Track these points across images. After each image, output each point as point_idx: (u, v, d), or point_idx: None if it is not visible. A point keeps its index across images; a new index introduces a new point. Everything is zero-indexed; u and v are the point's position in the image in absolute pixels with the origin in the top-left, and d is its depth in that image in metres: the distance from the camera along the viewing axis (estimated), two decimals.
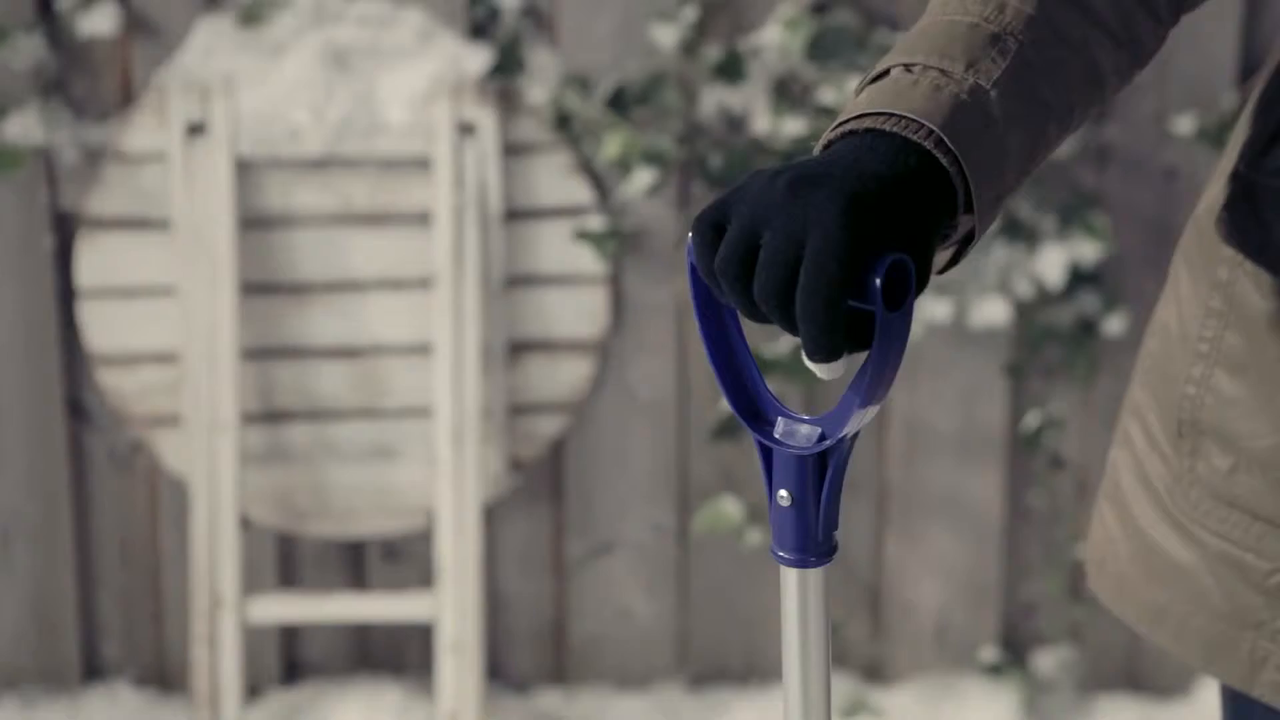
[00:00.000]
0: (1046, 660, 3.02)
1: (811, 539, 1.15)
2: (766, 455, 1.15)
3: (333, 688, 2.97)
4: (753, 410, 1.16)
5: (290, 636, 3.03)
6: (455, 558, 2.80)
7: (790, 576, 1.16)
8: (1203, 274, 1.38)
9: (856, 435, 1.14)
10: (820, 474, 1.14)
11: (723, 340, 1.15)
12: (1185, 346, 1.39)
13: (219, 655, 2.80)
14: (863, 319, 1.10)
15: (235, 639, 2.80)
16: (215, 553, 2.80)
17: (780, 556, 1.16)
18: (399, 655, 3.04)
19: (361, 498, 2.92)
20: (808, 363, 1.10)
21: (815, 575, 1.15)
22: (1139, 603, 1.43)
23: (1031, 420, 2.88)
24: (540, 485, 2.98)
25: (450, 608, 2.80)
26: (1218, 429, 1.36)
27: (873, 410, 1.12)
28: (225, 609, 2.80)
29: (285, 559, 2.98)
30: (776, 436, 1.15)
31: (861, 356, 1.12)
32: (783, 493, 1.14)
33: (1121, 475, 1.46)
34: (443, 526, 2.80)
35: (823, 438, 1.13)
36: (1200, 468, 1.38)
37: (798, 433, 1.14)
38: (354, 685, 2.97)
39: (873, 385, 1.10)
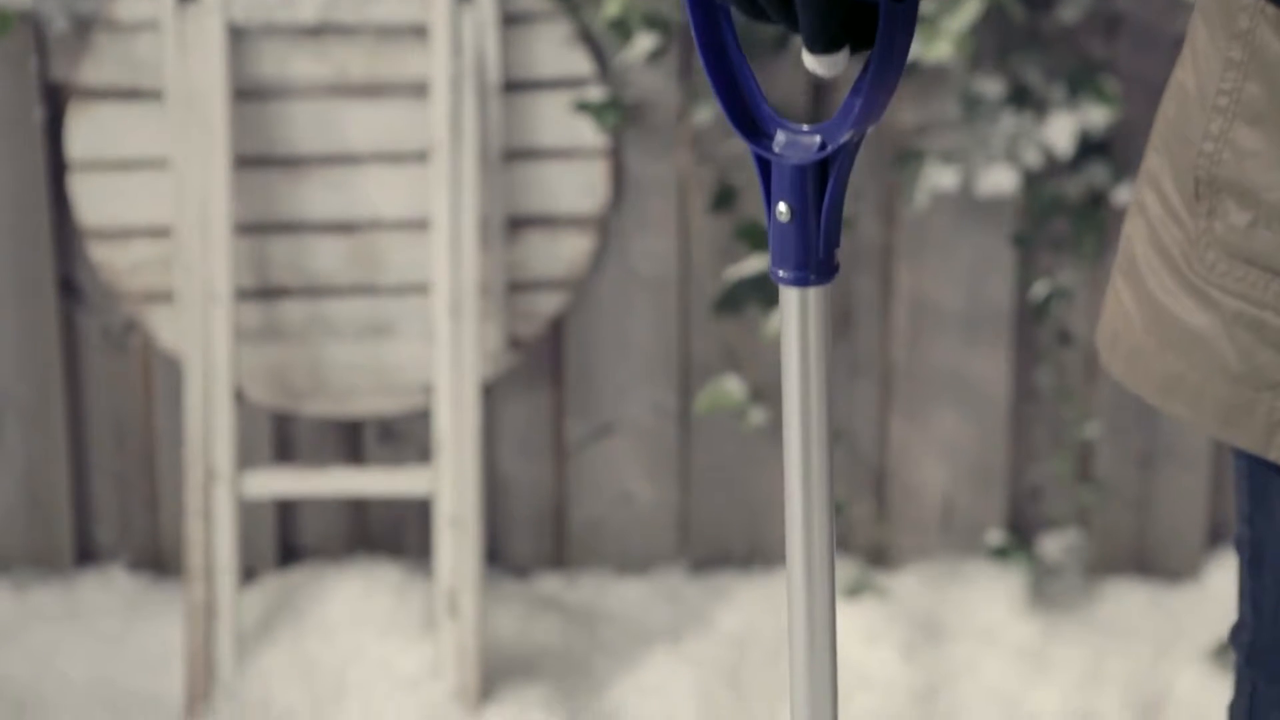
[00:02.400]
0: (1053, 544, 2.98)
1: (812, 254, 1.10)
2: (764, 170, 1.11)
3: (330, 568, 2.93)
4: (750, 123, 1.11)
5: (286, 520, 2.99)
6: (453, 432, 2.75)
7: (790, 298, 1.11)
8: (1220, 27, 1.33)
9: (858, 145, 1.09)
10: (821, 186, 1.09)
11: (718, 48, 1.11)
12: (1203, 104, 1.34)
13: (214, 529, 2.76)
14: (865, 15, 1.05)
15: (230, 513, 2.76)
16: (210, 426, 2.76)
17: (779, 276, 1.11)
18: (397, 536, 3.00)
19: (358, 376, 2.87)
20: (807, 60, 1.06)
21: (815, 295, 1.11)
22: (1153, 373, 1.39)
23: (1040, 289, 2.83)
24: (539, 366, 2.94)
25: (448, 482, 2.75)
26: (1236, 183, 1.32)
27: (873, 120, 1.08)
28: (220, 482, 2.76)
29: (281, 439, 2.94)
30: (775, 150, 1.10)
31: (860, 67, 1.07)
32: (781, 206, 1.10)
33: (1135, 246, 1.41)
34: (441, 401, 2.76)
35: (823, 146, 1.09)
36: (1218, 227, 1.34)
37: (797, 144, 1.10)
38: (352, 566, 2.93)
39: (874, 86, 1.06)
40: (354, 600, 2.85)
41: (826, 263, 1.11)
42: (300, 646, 2.80)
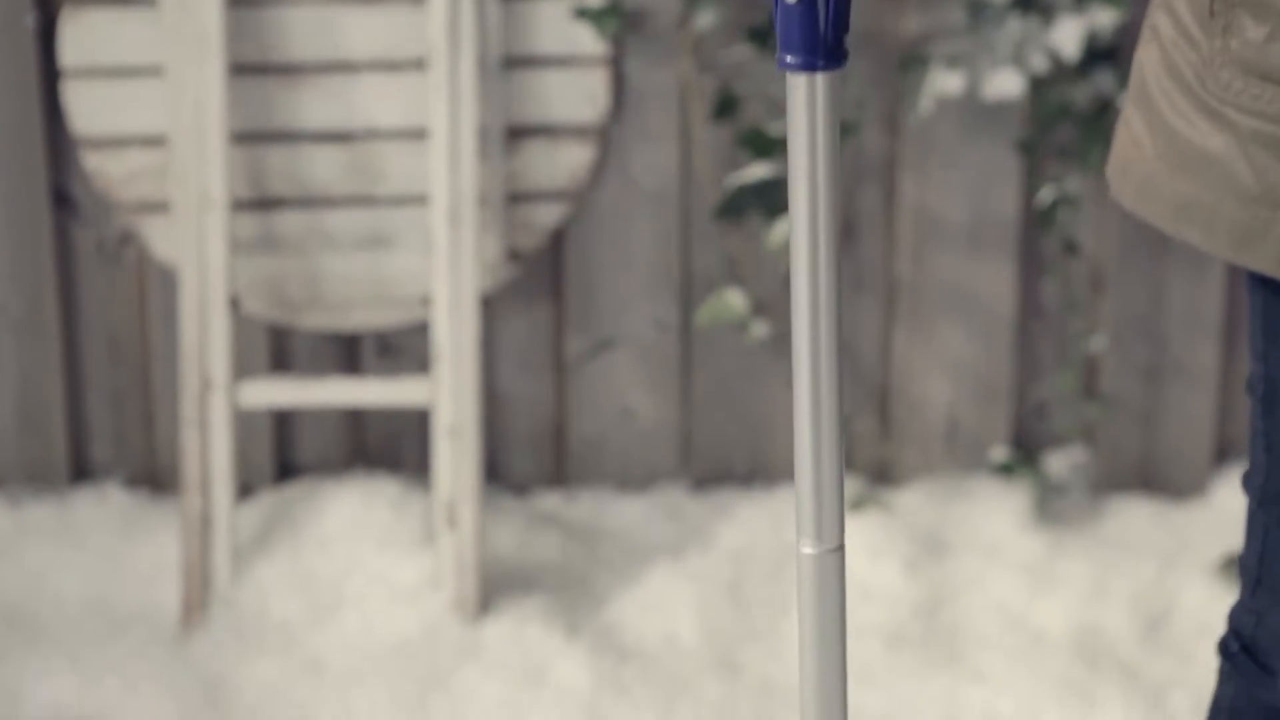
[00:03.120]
0: (1058, 461, 2.95)
1: (820, 39, 1.07)
2: None
3: (328, 482, 2.90)
4: None
5: (283, 437, 2.96)
6: (452, 342, 2.72)
7: (798, 86, 1.08)
8: None
9: None
10: None
11: None
12: None
13: (210, 439, 2.73)
14: None
15: (226, 423, 2.72)
16: (205, 335, 2.72)
17: (786, 63, 1.08)
18: (395, 452, 2.96)
19: (356, 288, 2.84)
20: None
21: (824, 82, 1.07)
22: (1165, 199, 1.36)
23: (1046, 195, 2.79)
24: (539, 279, 2.90)
25: (447, 392, 2.72)
26: None
27: None
28: (216, 392, 2.72)
29: (278, 352, 2.91)
30: None
31: None
32: None
33: (1147, 72, 1.38)
34: (439, 311, 2.72)
35: None
36: (1233, 44, 1.30)
37: None
38: (349, 480, 2.90)
39: None
40: (351, 513, 2.82)
41: (835, 49, 1.07)
42: (297, 558, 2.77)
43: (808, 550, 1.16)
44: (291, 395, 2.77)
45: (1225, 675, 1.55)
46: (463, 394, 2.72)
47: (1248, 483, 1.45)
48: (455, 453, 2.72)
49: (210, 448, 2.73)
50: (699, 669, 2.67)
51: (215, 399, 2.72)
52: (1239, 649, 1.50)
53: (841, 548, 1.16)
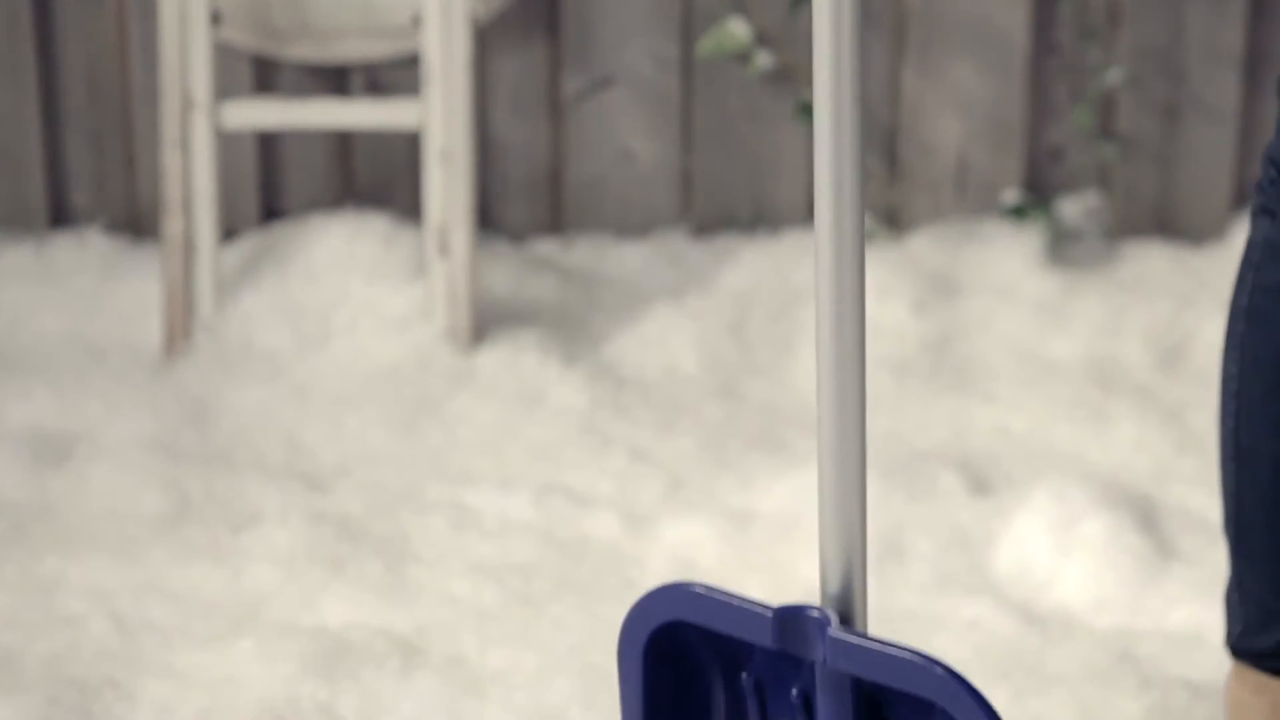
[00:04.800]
0: (1072, 206, 2.85)
1: None
2: None
3: (316, 217, 2.80)
4: None
5: (269, 180, 2.85)
6: (443, 64, 2.61)
7: None
8: None
9: None
10: None
11: None
12: None
13: (192, 161, 2.62)
14: None
15: (208, 144, 2.62)
16: (186, 54, 2.61)
17: None
18: (385, 192, 2.86)
19: (344, 14, 2.73)
20: None
21: None
22: None
23: None
24: (533, 13, 2.80)
25: (438, 114, 2.61)
26: None
27: None
28: (198, 111, 2.62)
29: (262, 84, 2.80)
30: None
31: None
32: None
33: None
34: (429, 32, 2.61)
35: None
36: None
37: None
38: (338, 216, 2.79)
39: None
40: (340, 246, 2.72)
41: None
42: (284, 290, 2.67)
43: None
44: (276, 116, 2.67)
45: (1258, 212, 1.46)
46: (454, 117, 2.61)
47: None
48: (447, 178, 2.62)
49: (192, 170, 2.63)
50: (700, 395, 2.58)
51: (197, 119, 2.62)
52: (1275, 176, 1.41)
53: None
